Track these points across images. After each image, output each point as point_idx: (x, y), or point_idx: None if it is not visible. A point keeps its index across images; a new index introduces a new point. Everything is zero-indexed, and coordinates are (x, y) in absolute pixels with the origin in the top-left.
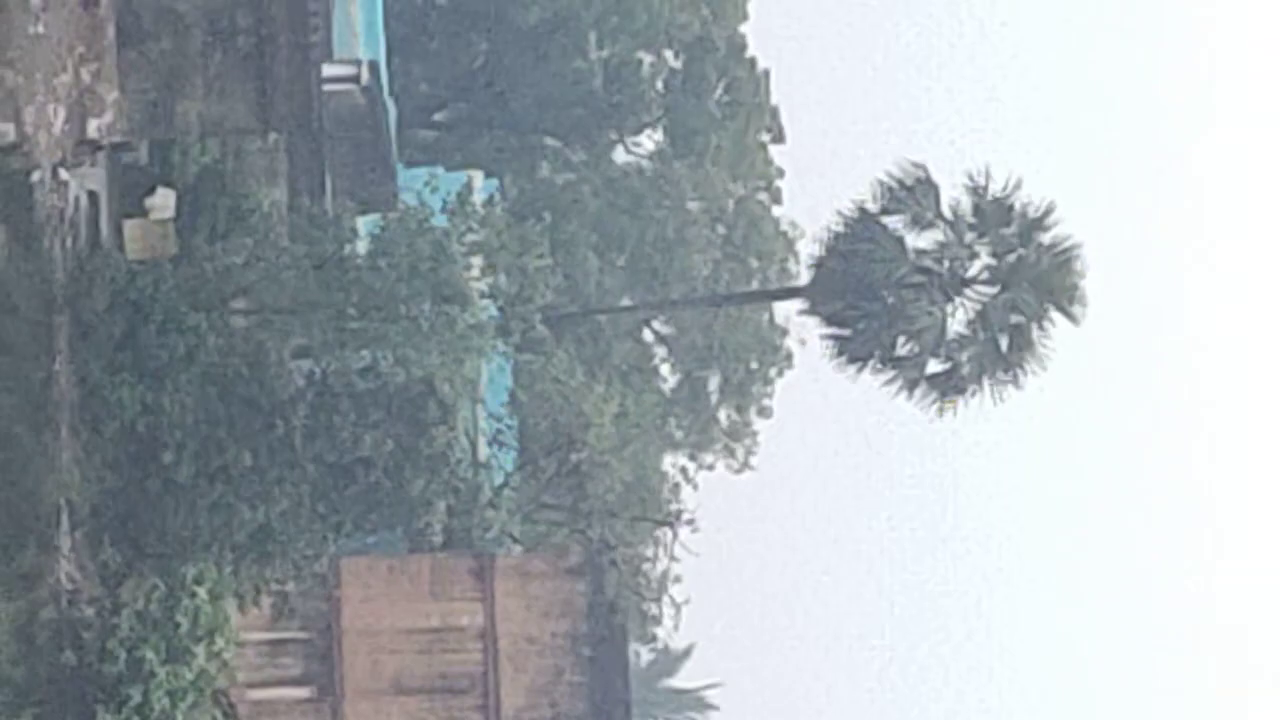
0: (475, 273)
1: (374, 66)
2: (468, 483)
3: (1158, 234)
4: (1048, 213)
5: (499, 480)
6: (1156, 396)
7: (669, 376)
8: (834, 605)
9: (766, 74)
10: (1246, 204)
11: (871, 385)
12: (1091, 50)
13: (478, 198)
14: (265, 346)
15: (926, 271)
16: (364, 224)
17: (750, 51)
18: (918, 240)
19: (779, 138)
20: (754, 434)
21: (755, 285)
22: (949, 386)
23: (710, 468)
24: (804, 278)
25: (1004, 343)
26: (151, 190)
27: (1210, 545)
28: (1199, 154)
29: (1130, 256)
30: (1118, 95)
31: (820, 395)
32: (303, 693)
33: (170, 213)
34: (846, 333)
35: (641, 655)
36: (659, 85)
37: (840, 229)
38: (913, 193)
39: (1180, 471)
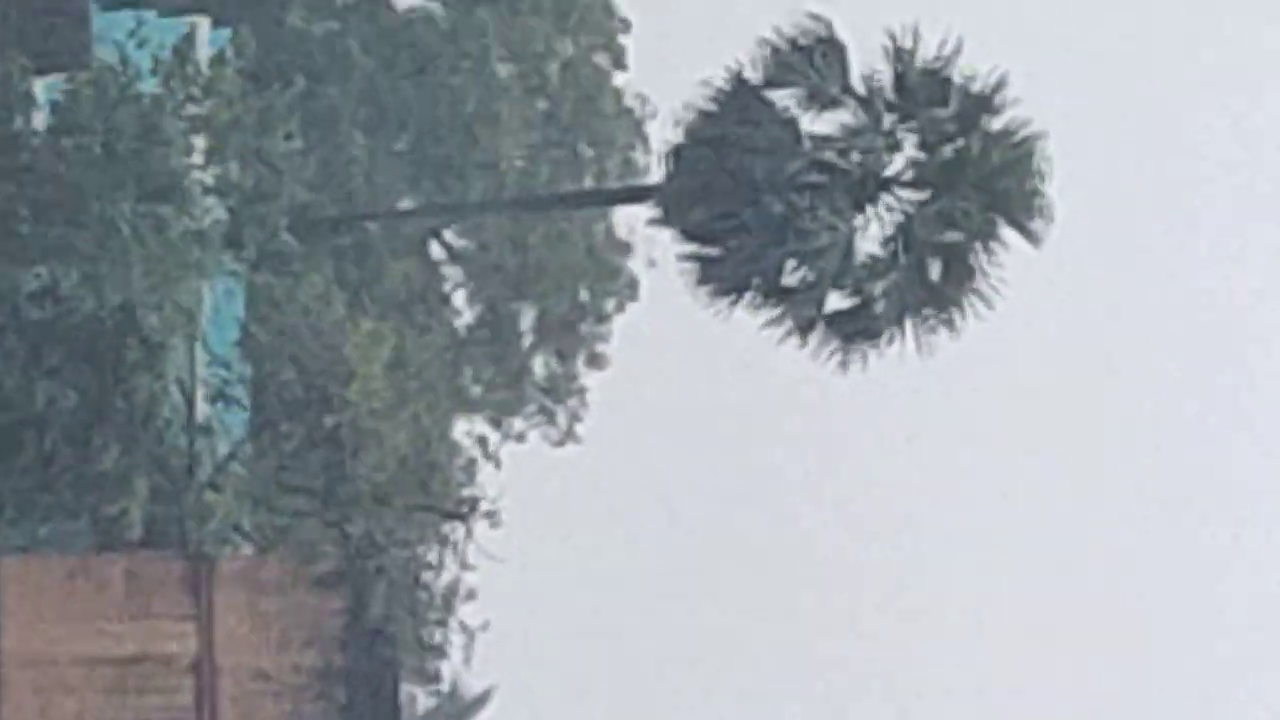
0: (197, 159)
1: None
2: (180, 453)
3: (1157, 119)
4: (999, 87)
5: (224, 452)
6: (1141, 341)
7: (464, 309)
8: (693, 628)
9: None
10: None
11: (749, 325)
12: None
13: (202, 53)
14: None
15: (828, 168)
16: (42, 88)
17: None
18: (816, 124)
19: None
20: (582, 392)
21: (588, 183)
22: (857, 330)
23: (520, 438)
24: (656, 174)
25: (935, 269)
26: None
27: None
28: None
29: (1116, 151)
30: None
31: (676, 339)
32: None
33: None
34: (714, 252)
35: (419, 700)
36: None
37: (708, 106)
38: (810, 57)
39: (1166, 449)
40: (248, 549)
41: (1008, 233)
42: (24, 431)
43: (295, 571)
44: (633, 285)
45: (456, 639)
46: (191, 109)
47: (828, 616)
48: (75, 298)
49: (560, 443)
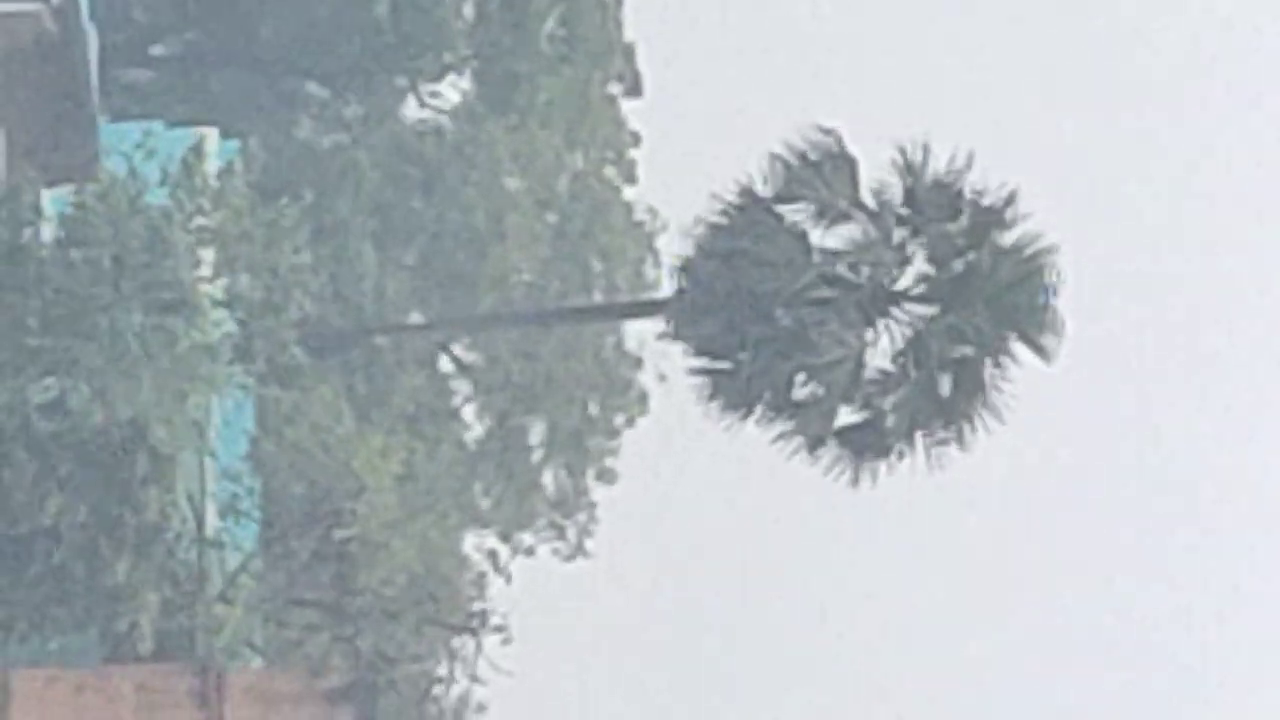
0: (206, 271)
1: None
2: (190, 567)
3: (1166, 233)
4: (1010, 202)
5: (234, 565)
6: (1150, 457)
7: (474, 423)
8: None
9: None
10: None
11: (759, 440)
12: None
13: (211, 165)
14: None
15: (838, 282)
16: (51, 200)
17: None
18: (826, 238)
19: (634, 89)
20: (591, 506)
21: (598, 297)
22: (867, 445)
23: (530, 552)
24: (666, 288)
25: (945, 384)
26: None
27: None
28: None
29: (1126, 265)
30: (1116, 43)
31: (686, 453)
32: None
33: None
34: (724, 366)
35: None
36: (467, 12)
37: (718, 220)
38: (821, 172)
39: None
40: (258, 662)
41: (1018, 347)
42: (34, 545)
43: (306, 685)
44: (643, 399)
45: None
46: (200, 221)
47: None
48: (84, 411)
49: (570, 557)
